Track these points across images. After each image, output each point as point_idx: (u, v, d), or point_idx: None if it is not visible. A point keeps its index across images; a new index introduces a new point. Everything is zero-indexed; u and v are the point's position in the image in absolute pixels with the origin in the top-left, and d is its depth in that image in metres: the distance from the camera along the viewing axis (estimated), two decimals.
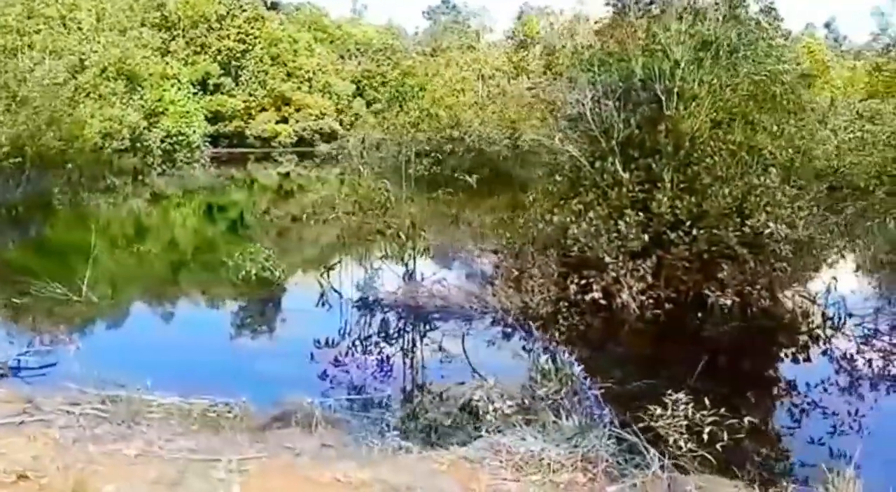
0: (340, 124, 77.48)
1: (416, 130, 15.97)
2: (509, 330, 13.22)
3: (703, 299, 13.81)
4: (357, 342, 12.67)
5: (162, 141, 54.41)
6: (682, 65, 13.76)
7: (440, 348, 12.16)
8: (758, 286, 13.05)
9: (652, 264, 13.77)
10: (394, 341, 12.91)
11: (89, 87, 46.22)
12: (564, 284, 14.14)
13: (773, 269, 13.03)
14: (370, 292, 15.00)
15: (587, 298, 13.76)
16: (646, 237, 13.70)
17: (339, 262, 16.24)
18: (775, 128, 13.69)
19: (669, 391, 7.91)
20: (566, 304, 13.79)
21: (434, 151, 47.30)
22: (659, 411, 7.64)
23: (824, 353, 12.26)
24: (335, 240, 16.27)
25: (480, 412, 8.58)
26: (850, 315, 13.44)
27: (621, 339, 12.87)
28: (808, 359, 12.02)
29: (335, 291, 15.59)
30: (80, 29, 51.71)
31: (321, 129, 74.99)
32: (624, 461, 6.80)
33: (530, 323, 12.36)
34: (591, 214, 14.06)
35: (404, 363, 11.64)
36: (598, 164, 14.37)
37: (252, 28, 69.84)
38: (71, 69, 44.97)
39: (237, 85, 69.59)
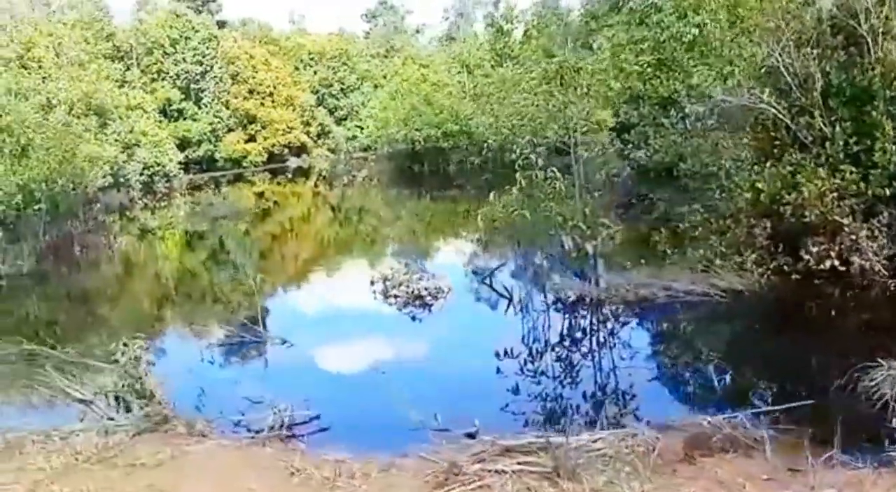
0: (308, 136, 75.31)
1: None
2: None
3: None
4: (621, 347, 11.24)
5: (140, 173, 51.81)
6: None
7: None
8: None
9: (884, 221, 12.62)
10: (661, 342, 11.37)
11: (61, 127, 43.58)
12: (788, 255, 12.92)
13: None
14: (564, 292, 13.50)
15: (822, 266, 12.54)
16: (871, 193, 12.56)
17: (504, 264, 14.76)
18: None
19: None
20: (797, 276, 12.58)
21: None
22: None
23: None
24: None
25: None
26: None
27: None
28: None
29: (504, 294, 14.10)
30: (40, 67, 48.81)
31: (290, 143, 72.55)
32: None
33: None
34: (800, 175, 12.85)
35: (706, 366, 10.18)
36: (802, 119, 13.12)
37: (208, 48, 66.85)
38: (39, 109, 42.41)
39: (200, 108, 66.53)
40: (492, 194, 13.98)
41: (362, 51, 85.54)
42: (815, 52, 13.14)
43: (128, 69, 63.67)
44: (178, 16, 66.43)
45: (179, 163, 60.85)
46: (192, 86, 66.58)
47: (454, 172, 43.68)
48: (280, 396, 9.29)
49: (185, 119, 65.60)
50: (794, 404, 7.56)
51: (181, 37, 65.75)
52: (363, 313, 14.74)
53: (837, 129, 12.96)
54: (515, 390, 9.84)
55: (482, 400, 9.52)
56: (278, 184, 63.02)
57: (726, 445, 7.08)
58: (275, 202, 50.49)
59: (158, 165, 54.11)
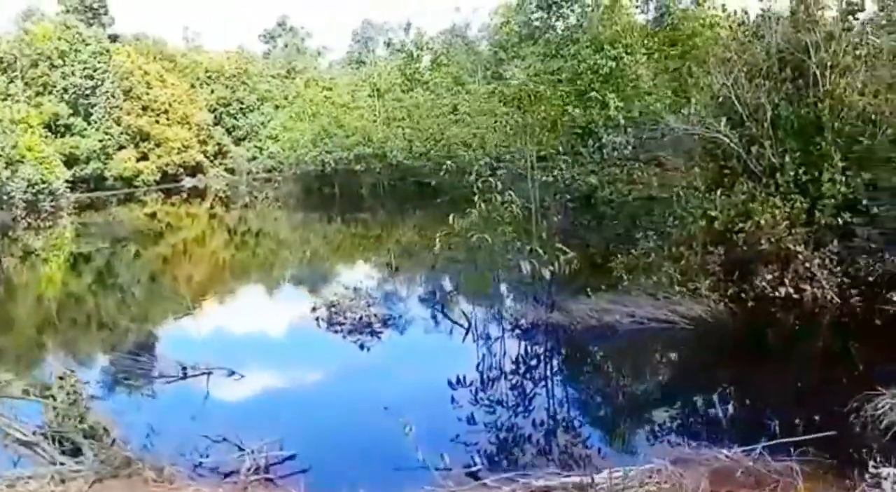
0: (204, 155, 72.92)
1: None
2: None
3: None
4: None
5: (24, 191, 48.55)
6: (837, 35, 12.99)
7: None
8: None
9: (834, 250, 12.88)
10: (639, 371, 11.09)
11: None
12: (742, 281, 13.01)
13: None
14: (525, 318, 13.10)
15: (777, 293, 12.68)
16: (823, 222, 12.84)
17: (455, 291, 14.25)
18: None
19: None
20: (752, 302, 12.66)
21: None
22: None
23: None
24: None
25: None
26: None
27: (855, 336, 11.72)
28: None
29: (458, 322, 13.61)
30: None
31: (185, 162, 69.95)
32: None
33: None
34: (753, 204, 12.99)
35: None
36: (753, 149, 13.30)
37: (99, 62, 63.72)
38: None
39: (89, 124, 63.19)
40: (451, 217, 13.25)
41: (262, 71, 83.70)
42: (766, 83, 13.39)
43: (11, 82, 60.03)
44: (67, 27, 63.21)
45: (66, 181, 57.54)
46: (82, 101, 63.24)
47: (367, 194, 42.99)
48: (241, 433, 8.46)
49: (73, 135, 62.19)
50: (813, 436, 7.35)
51: (70, 49, 62.50)
52: (306, 341, 13.90)
53: (787, 159, 13.21)
54: (473, 421, 9.36)
55: (449, 435, 8.93)
56: (172, 205, 60.37)
57: (749, 480, 6.81)
58: (168, 224, 48.15)
59: (44, 182, 50.84)
